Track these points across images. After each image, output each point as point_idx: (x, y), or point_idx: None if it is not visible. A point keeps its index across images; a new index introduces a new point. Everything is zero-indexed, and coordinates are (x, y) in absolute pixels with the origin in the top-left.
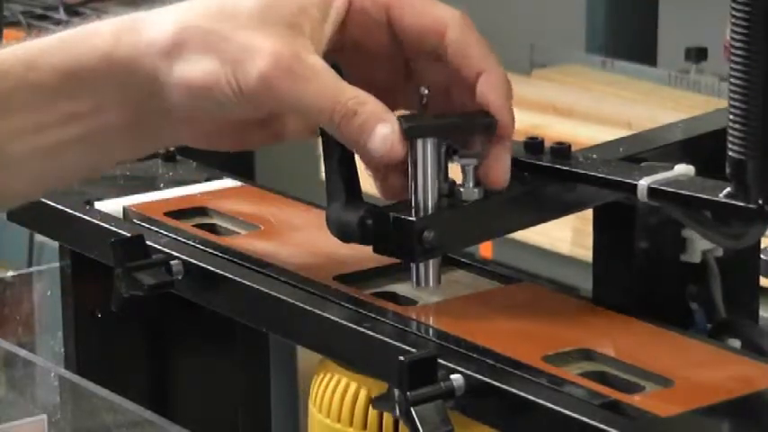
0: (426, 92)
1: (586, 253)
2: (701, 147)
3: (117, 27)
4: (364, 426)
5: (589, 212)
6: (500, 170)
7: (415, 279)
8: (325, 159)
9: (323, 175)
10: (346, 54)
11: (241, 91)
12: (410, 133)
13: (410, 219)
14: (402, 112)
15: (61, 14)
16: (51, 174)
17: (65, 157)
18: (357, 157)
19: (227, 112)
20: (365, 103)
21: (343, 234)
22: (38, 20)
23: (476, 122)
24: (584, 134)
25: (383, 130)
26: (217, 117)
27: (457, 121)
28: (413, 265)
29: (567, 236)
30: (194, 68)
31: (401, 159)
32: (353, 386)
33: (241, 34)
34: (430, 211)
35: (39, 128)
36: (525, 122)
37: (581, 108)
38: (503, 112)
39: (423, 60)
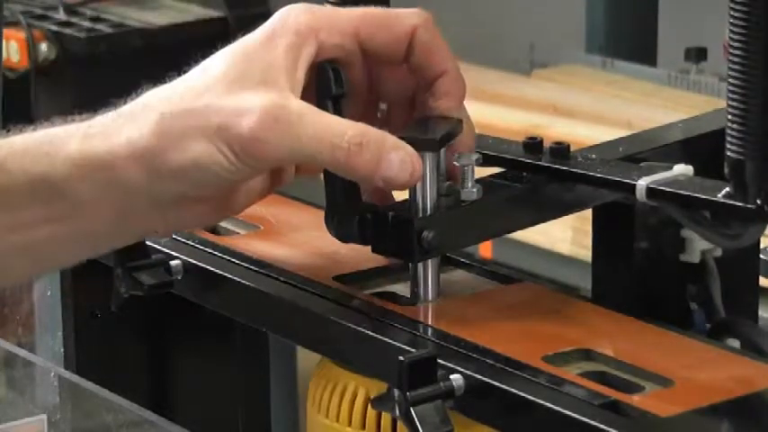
0: (384, 107)
1: (586, 253)
2: (701, 147)
3: (86, 133)
4: (363, 426)
5: (589, 212)
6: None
7: (413, 278)
8: None
9: (322, 175)
10: None
11: (236, 156)
12: (425, 147)
13: (409, 219)
14: None
15: (61, 14)
16: (34, 266)
17: (47, 252)
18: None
19: (229, 181)
20: (365, 134)
21: (343, 234)
22: (38, 20)
23: (454, 127)
24: (584, 134)
25: (398, 155)
26: (213, 191)
27: (451, 127)
28: (411, 266)
29: (566, 236)
30: (185, 154)
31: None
32: (352, 386)
33: (218, 104)
34: (429, 211)
35: (15, 227)
36: (525, 122)
37: (581, 108)
38: (460, 114)
39: (386, 72)
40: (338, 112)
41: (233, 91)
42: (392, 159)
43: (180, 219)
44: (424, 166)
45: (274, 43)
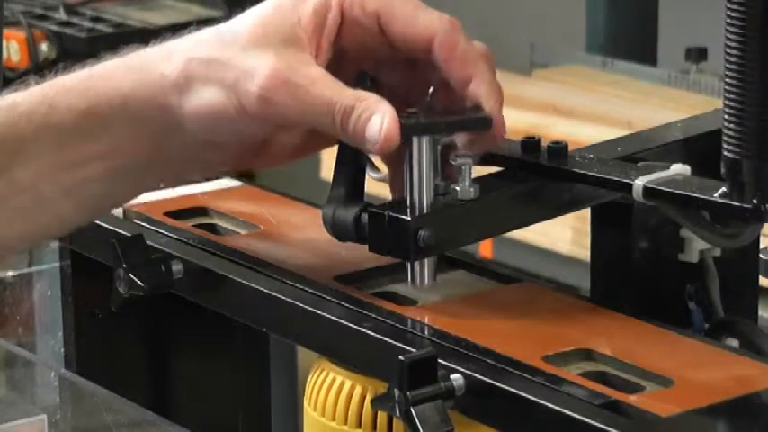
0: (432, 90)
1: (586, 253)
2: (699, 147)
3: (129, 67)
4: (358, 424)
5: (589, 212)
6: None
7: (410, 277)
8: (336, 158)
9: (323, 174)
10: (348, 62)
11: (245, 111)
12: (404, 131)
13: (405, 218)
14: None
15: (61, 14)
16: (78, 210)
17: (93, 193)
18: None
19: (239, 134)
20: (363, 99)
21: (339, 232)
22: (38, 20)
23: (471, 120)
24: (584, 134)
25: (376, 119)
26: (233, 140)
27: (452, 119)
28: (408, 264)
29: (566, 236)
30: (201, 99)
31: (396, 148)
32: (348, 384)
33: (239, 58)
34: (425, 210)
35: (65, 167)
36: (525, 122)
37: (581, 108)
38: (494, 115)
39: (423, 61)
40: None
41: (255, 46)
42: (371, 122)
43: (220, 161)
44: (419, 156)
45: (305, 3)
